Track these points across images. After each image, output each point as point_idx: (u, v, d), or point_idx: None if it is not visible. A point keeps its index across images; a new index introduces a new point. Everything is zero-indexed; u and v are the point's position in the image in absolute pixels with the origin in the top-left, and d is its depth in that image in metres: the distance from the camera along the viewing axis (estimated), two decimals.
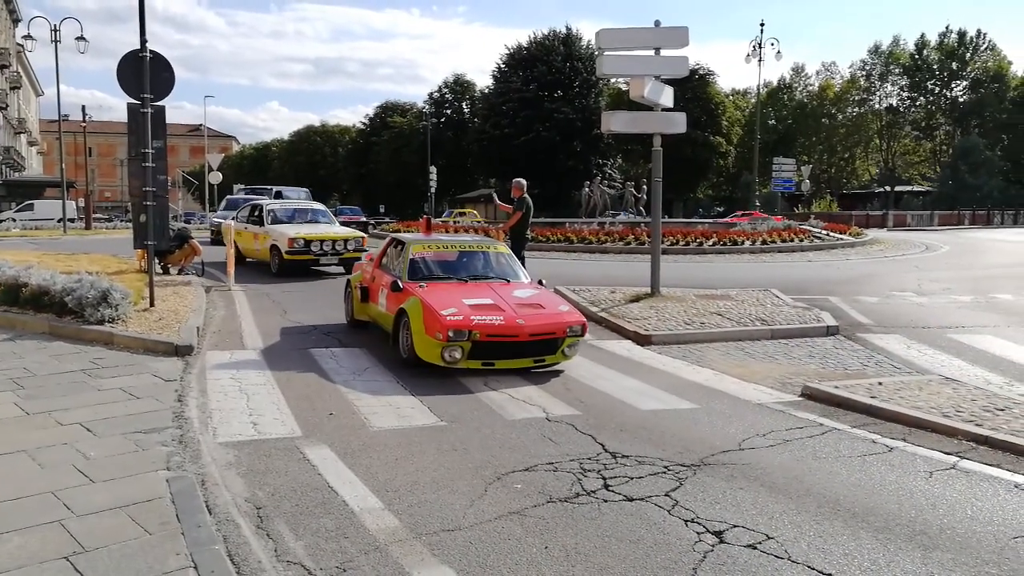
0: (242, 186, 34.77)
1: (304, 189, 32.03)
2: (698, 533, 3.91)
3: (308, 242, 14.14)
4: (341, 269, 14.85)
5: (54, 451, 4.84)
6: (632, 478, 4.65)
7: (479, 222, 38.46)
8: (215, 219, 22.61)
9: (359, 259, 13.39)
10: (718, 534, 3.90)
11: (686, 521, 4.05)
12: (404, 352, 7.34)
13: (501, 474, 4.69)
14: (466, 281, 8.03)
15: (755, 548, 3.75)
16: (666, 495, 4.40)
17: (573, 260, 19.80)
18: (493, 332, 6.88)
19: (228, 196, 26.86)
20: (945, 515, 4.18)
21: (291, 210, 16.68)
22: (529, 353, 7.11)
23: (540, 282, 8.42)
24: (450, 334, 6.77)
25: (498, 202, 13.04)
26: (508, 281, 8.21)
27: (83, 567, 3.37)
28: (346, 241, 14.68)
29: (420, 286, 7.67)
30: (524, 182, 12.15)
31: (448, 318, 6.84)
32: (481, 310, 7.09)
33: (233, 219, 16.86)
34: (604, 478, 4.65)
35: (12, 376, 6.63)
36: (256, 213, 16.19)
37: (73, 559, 3.44)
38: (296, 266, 14.25)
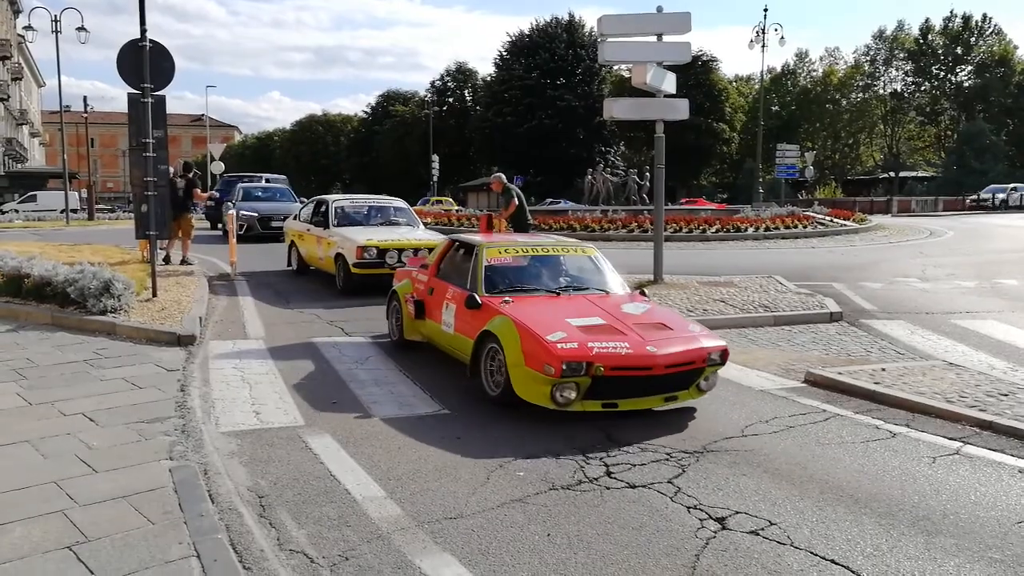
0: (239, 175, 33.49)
1: (282, 176, 31.30)
2: (701, 520, 3.91)
3: (382, 251, 10.95)
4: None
5: (57, 441, 4.85)
6: (635, 465, 4.65)
7: (458, 210, 38.32)
8: (244, 212, 19.30)
9: None
10: (721, 520, 3.90)
11: (689, 508, 4.05)
12: (492, 388, 5.83)
13: (503, 462, 4.69)
14: (557, 294, 6.55)
15: (758, 534, 3.75)
16: (669, 482, 4.39)
17: None
18: (620, 364, 5.30)
19: (241, 184, 23.74)
20: (948, 500, 4.17)
21: (364, 208, 13.30)
22: (661, 389, 5.58)
23: (642, 292, 6.98)
24: (564, 368, 5.16)
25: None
26: (607, 292, 6.72)
27: (86, 557, 3.38)
28: (431, 250, 10.75)
29: (505, 301, 6.14)
30: (502, 175, 12.14)
31: (559, 347, 5.27)
32: (596, 334, 5.54)
33: (294, 217, 14.40)
34: (606, 465, 4.64)
35: (15, 367, 6.64)
36: (321, 211, 12.89)
37: (76, 549, 3.45)
38: (367, 281, 10.95)
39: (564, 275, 7.01)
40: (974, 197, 43.88)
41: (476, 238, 7.50)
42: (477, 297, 6.25)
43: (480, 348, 5.95)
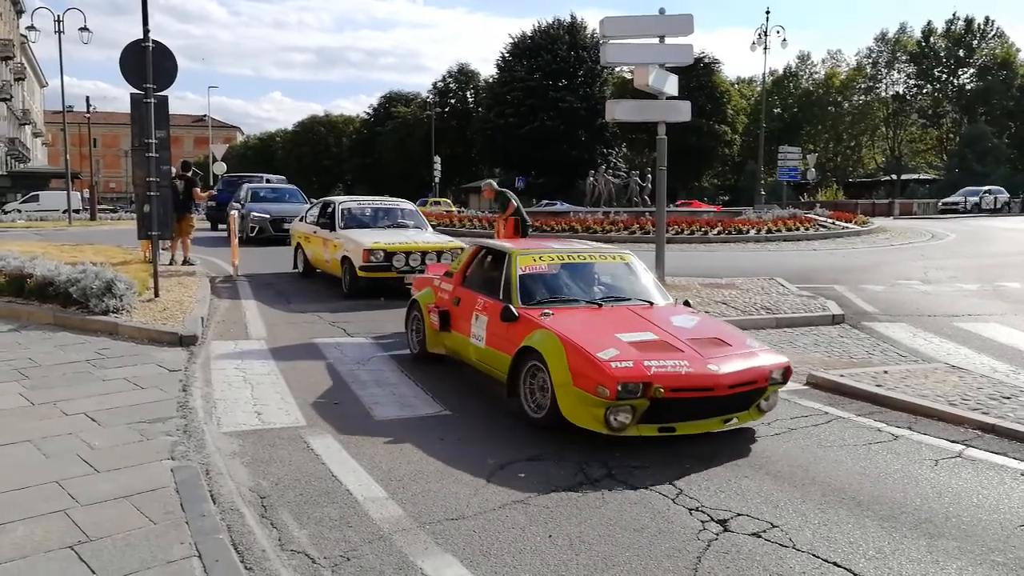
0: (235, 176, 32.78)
1: (281, 177, 30.97)
2: (702, 522, 3.91)
3: (389, 255, 10.80)
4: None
5: (59, 441, 4.85)
6: (636, 467, 4.64)
7: (460, 210, 38.24)
8: (256, 215, 18.96)
9: None
10: (722, 523, 3.89)
11: (690, 510, 4.05)
12: (533, 410, 5.35)
13: (505, 463, 4.68)
14: (599, 305, 6.04)
15: (760, 537, 3.74)
16: (670, 484, 4.39)
17: None
18: (681, 385, 4.85)
19: (250, 185, 22.94)
20: (951, 503, 4.17)
21: (371, 210, 13.01)
22: (722, 411, 5.14)
23: (686, 302, 6.56)
24: (619, 389, 4.71)
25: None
26: (650, 303, 6.22)
27: (88, 556, 3.38)
28: (439, 253, 11.07)
29: (544, 313, 5.67)
30: (493, 182, 12.15)
31: (613, 365, 4.82)
32: (651, 351, 5.09)
33: (301, 219, 14.12)
34: (608, 467, 4.64)
35: (17, 366, 6.65)
36: (328, 212, 12.67)
37: (78, 548, 3.45)
38: (373, 285, 10.89)
39: (603, 284, 6.59)
40: (946, 200, 42.55)
41: (506, 244, 6.97)
42: (513, 309, 5.77)
43: (519, 365, 5.47)
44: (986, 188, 42.89)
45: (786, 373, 5.36)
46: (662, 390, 4.75)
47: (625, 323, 5.61)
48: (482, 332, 6.21)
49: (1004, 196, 42.50)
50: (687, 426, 5.05)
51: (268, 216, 18.86)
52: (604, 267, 6.76)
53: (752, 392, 5.20)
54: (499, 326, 5.87)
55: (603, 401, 4.77)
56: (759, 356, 5.34)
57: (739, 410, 5.23)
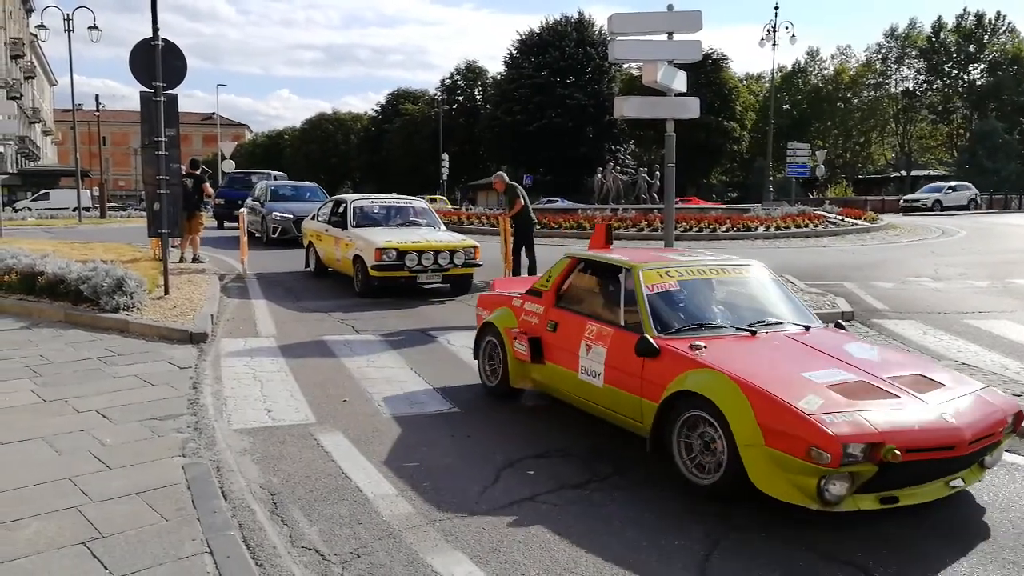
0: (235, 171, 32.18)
1: (282, 174, 30.71)
2: (710, 519, 3.90)
3: (402, 253, 10.66)
4: (448, 288, 11.51)
5: (71, 438, 4.88)
6: (644, 463, 4.63)
7: (468, 208, 37.98)
8: (278, 214, 18.45)
9: (470, 276, 11.41)
10: (730, 519, 3.89)
11: (698, 507, 4.04)
12: (695, 473, 4.19)
13: (513, 460, 4.69)
14: (752, 332, 4.77)
15: (767, 534, 3.74)
16: (678, 481, 4.37)
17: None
18: (918, 444, 3.72)
19: (267, 182, 22.01)
20: (962, 502, 4.15)
21: (384, 208, 12.88)
22: (951, 472, 3.96)
23: (838, 324, 5.39)
24: (842, 452, 3.58)
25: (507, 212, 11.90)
26: (806, 327, 4.98)
27: (100, 552, 3.41)
28: (452, 252, 10.97)
29: (695, 346, 4.44)
30: (504, 174, 12.13)
31: (828, 420, 3.68)
32: (860, 398, 3.95)
33: (312, 217, 13.89)
34: (616, 464, 4.64)
35: (29, 364, 6.69)
36: (339, 211, 12.50)
37: (90, 544, 3.48)
38: (386, 284, 10.83)
39: (744, 304, 5.34)
40: (908, 197, 41.91)
41: (618, 256, 5.54)
42: (652, 341, 4.53)
43: (670, 415, 4.30)
44: (950, 184, 42.48)
45: (1017, 419, 4.22)
46: (897, 452, 3.61)
47: (800, 357, 4.45)
48: (599, 367, 4.95)
49: (971, 192, 42.03)
50: (911, 494, 3.88)
51: (291, 216, 18.09)
52: (738, 282, 5.52)
53: (984, 448, 4.05)
54: (629, 362, 4.68)
55: (817, 468, 3.61)
56: (988, 398, 4.22)
57: (965, 468, 4.07)
